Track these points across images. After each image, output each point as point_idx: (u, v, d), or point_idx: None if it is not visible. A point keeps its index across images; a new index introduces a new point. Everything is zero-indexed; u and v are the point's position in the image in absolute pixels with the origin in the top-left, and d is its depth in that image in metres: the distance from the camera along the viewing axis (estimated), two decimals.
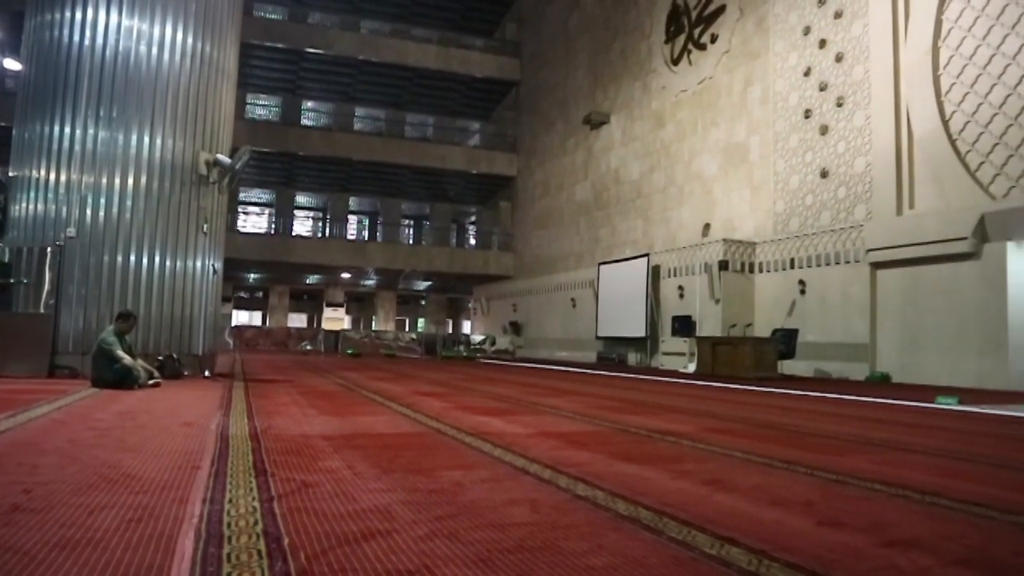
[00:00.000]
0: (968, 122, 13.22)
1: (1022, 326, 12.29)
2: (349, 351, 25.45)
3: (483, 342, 28.94)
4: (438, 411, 6.02)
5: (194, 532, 2.13)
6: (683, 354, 17.87)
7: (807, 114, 16.66)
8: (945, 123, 13.57)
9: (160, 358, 9.09)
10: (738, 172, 18.73)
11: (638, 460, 3.73)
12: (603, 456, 3.84)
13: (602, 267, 22.83)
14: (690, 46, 21.09)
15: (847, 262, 15.22)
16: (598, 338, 22.92)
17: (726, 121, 19.31)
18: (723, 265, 17.21)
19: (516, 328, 29.82)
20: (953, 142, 13.41)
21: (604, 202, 25.10)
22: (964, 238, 12.71)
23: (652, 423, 5.53)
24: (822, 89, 16.32)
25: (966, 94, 13.30)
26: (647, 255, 20.46)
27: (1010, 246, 12.35)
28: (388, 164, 31.37)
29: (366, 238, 37.84)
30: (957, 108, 13.43)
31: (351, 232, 37.77)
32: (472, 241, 39.16)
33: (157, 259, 9.68)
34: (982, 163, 12.95)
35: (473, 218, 39.20)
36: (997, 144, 12.74)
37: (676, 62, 21.65)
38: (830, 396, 9.41)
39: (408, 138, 33.33)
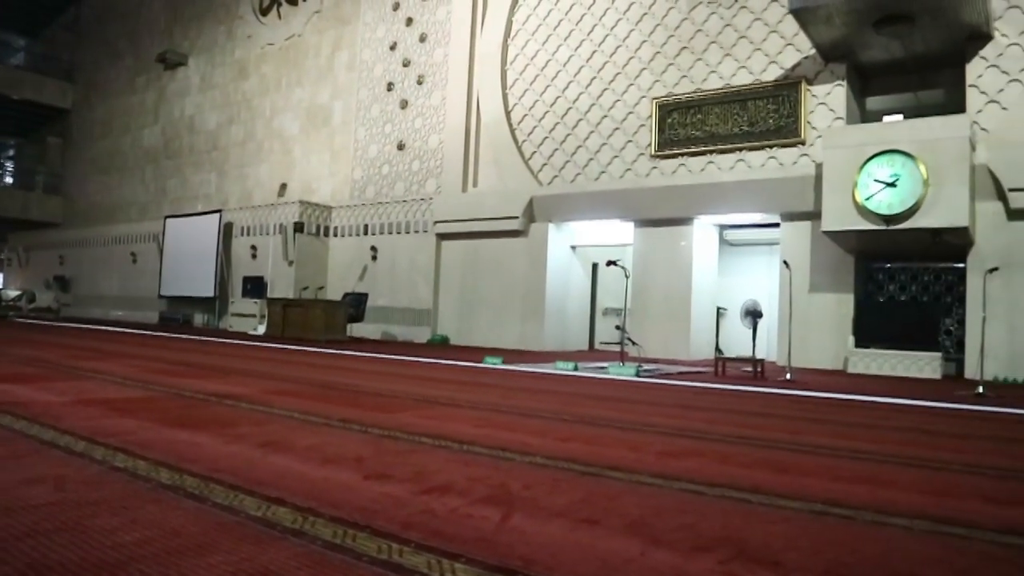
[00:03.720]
0: (526, 115, 14.86)
1: (556, 296, 14.32)
2: None
3: (18, 298, 24.89)
4: None
5: None
6: (253, 316, 17.42)
7: (390, 87, 17.23)
8: (507, 113, 15.08)
9: None
10: (320, 135, 18.70)
11: (191, 426, 3.49)
12: (151, 423, 3.52)
13: (169, 221, 21.14)
14: None
15: (416, 232, 16.15)
16: (161, 297, 21.24)
17: (311, 82, 19.13)
18: (299, 227, 17.08)
19: (63, 283, 26.17)
20: (513, 131, 14.98)
21: (175, 151, 23.21)
22: (516, 217, 14.31)
23: (212, 386, 5.25)
24: (405, 65, 17.00)
25: (526, 90, 14.92)
26: (220, 211, 19.44)
27: (551, 227, 14.24)
28: None
29: None
30: (518, 101, 15.01)
31: None
32: (9, 180, 33.27)
33: None
34: (534, 153, 14.67)
35: (12, 152, 33.34)
36: (547, 138, 14.53)
37: (265, 12, 20.79)
38: (393, 357, 9.90)
39: None
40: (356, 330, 15.77)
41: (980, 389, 7.32)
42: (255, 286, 17.78)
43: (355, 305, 15.34)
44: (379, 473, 2.60)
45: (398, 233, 16.53)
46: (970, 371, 9.73)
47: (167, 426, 3.44)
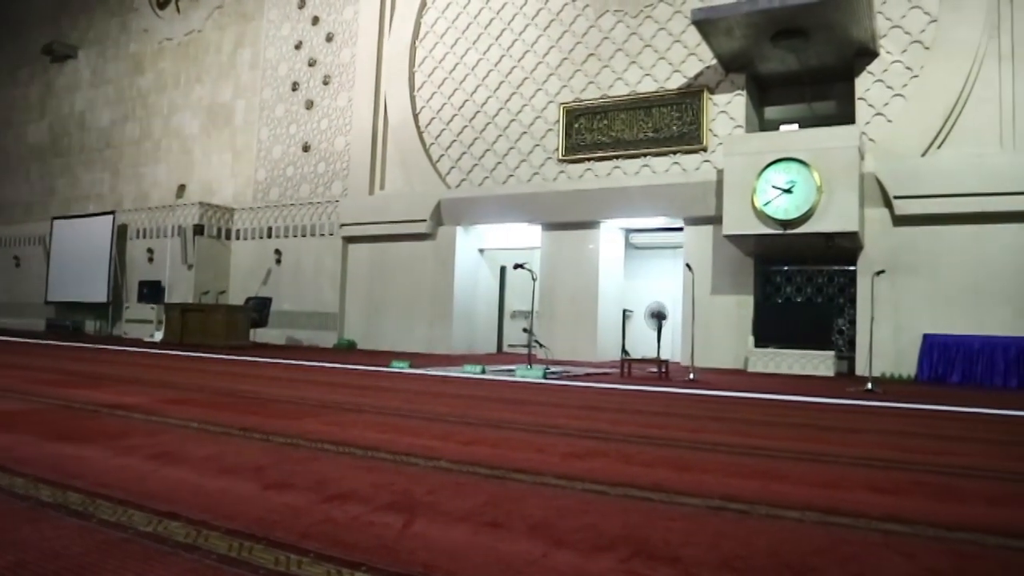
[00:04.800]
0: (433, 118, 14.79)
1: (464, 299, 14.32)
2: None
3: None
4: None
5: None
6: (150, 322, 16.74)
7: (295, 87, 16.87)
8: (415, 116, 14.98)
9: None
10: (221, 134, 18.15)
11: (77, 439, 3.30)
12: (32, 437, 3.31)
13: (57, 222, 20.08)
14: None
15: (322, 235, 15.86)
16: (48, 303, 20.13)
17: (212, 80, 18.54)
18: (198, 229, 16.52)
19: None
20: (420, 134, 14.89)
21: (64, 148, 22.07)
22: (424, 220, 14.23)
23: (102, 397, 5.00)
24: (311, 65, 16.68)
25: (434, 93, 14.85)
26: (113, 212, 18.59)
27: (459, 230, 14.22)
28: None
29: None
30: (426, 104, 14.93)
31: None
32: None
33: None
34: (442, 156, 14.63)
35: None
36: (455, 141, 14.50)
37: (162, 6, 20.04)
38: (298, 363, 9.68)
39: None
40: (260, 335, 15.35)
41: (869, 385, 7.69)
42: (152, 291, 17.08)
43: (258, 310, 14.93)
44: (279, 482, 2.52)
45: (303, 236, 16.19)
46: (860, 368, 10.22)
47: (50, 440, 3.25)
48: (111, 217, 18.42)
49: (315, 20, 16.78)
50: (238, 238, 17.34)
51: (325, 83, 16.41)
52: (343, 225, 15.41)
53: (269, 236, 16.74)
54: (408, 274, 14.69)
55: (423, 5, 15.19)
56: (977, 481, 3.04)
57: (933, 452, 3.78)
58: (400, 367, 9.21)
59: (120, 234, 18.36)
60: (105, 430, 3.60)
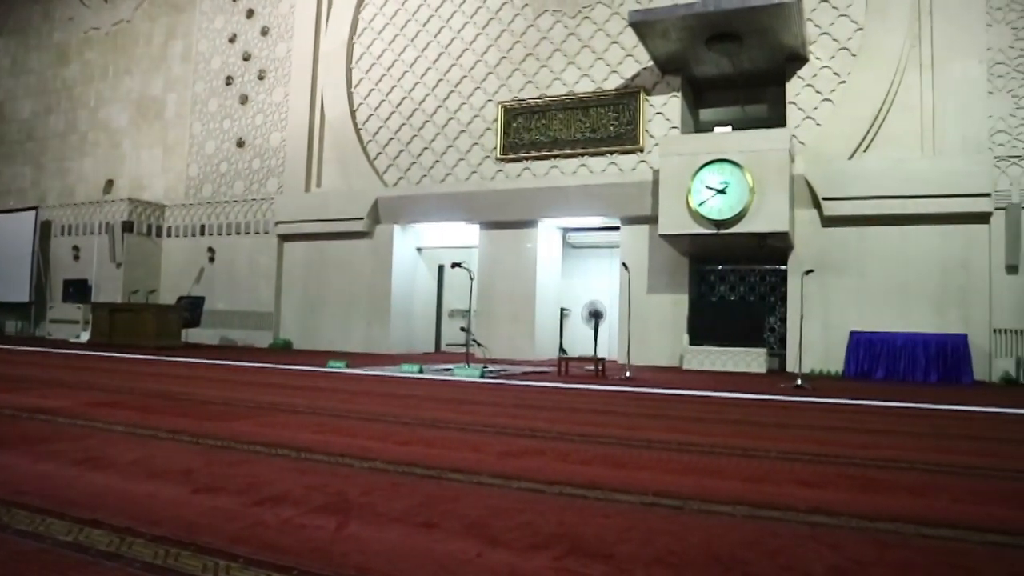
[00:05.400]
0: (371, 115, 14.65)
1: (402, 298, 14.23)
2: None
3: None
4: None
5: None
6: (76, 322, 16.19)
7: (229, 80, 16.51)
8: (353, 112, 14.81)
9: None
10: (151, 128, 17.64)
11: None
12: None
13: None
14: None
15: (257, 232, 15.56)
16: None
17: (142, 72, 18.01)
18: (127, 226, 16.03)
19: None
20: (358, 131, 14.73)
21: None
22: (361, 218, 14.08)
23: (23, 400, 4.82)
24: (246, 59, 16.34)
25: (372, 90, 14.71)
26: (36, 208, 17.86)
27: (396, 229, 14.12)
28: None
29: None
30: (363, 101, 14.77)
31: None
32: None
33: None
34: (379, 153, 14.49)
35: None
36: (392, 139, 14.39)
37: None
38: (231, 363, 9.48)
39: None
40: (192, 336, 14.97)
41: (799, 382, 7.90)
42: (78, 290, 16.48)
43: (190, 309, 14.55)
44: (209, 486, 2.46)
45: (237, 234, 15.86)
46: (791, 365, 10.48)
47: None
48: (33, 213, 17.69)
49: (250, 13, 16.45)
50: (169, 235, 16.88)
51: (260, 78, 16.10)
52: (279, 223, 15.15)
53: (202, 234, 16.34)
54: (345, 273, 14.52)
55: (361, 1, 15.02)
56: (898, 473, 3.15)
57: (858, 446, 3.90)
58: (337, 367, 9.10)
59: (44, 231, 17.68)
60: (26, 435, 3.47)
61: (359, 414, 4.69)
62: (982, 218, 10.34)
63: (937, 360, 9.90)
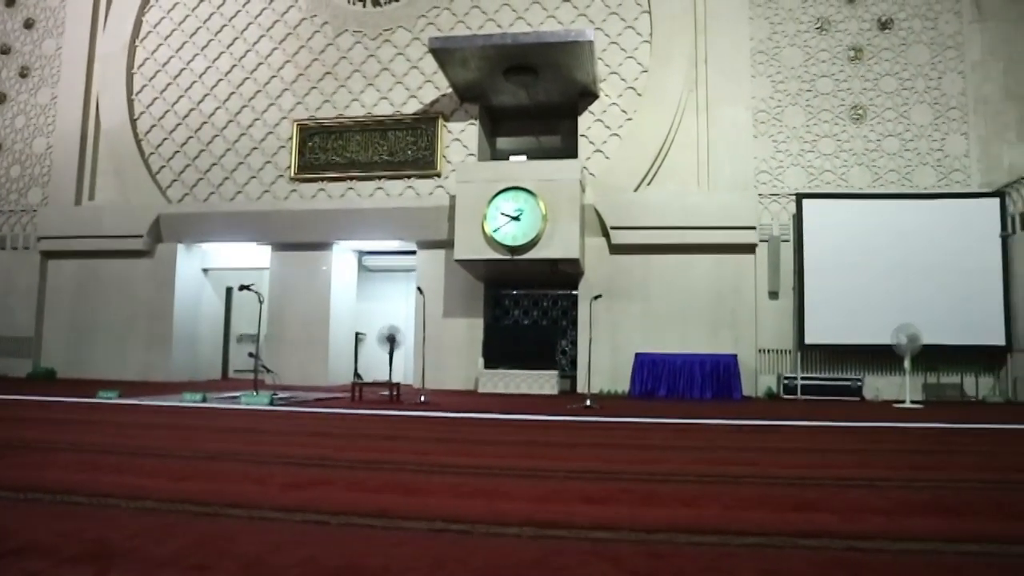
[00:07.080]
0: (155, 126, 13.66)
1: (185, 322, 13.31)
2: None
3: None
4: None
5: None
6: None
7: None
8: (133, 121, 13.74)
9: None
10: None
11: None
12: None
13: None
14: None
15: (15, 248, 13.98)
16: None
17: None
18: None
19: None
20: (139, 141, 13.67)
21: None
22: (140, 236, 13.04)
23: None
24: (5, 52, 14.73)
25: (156, 99, 13.73)
26: None
27: (180, 248, 13.21)
28: None
29: None
30: (146, 110, 13.76)
31: None
32: None
33: None
34: (163, 167, 13.53)
35: None
36: (178, 152, 13.50)
37: None
38: None
39: None
40: None
41: (588, 402, 8.20)
42: None
43: None
44: None
45: None
46: (581, 386, 10.90)
47: None
48: None
49: (10, 1, 14.86)
50: None
51: (23, 75, 14.56)
52: (42, 238, 13.67)
53: None
54: (121, 295, 13.32)
55: (145, 2, 14.03)
56: (675, 485, 3.30)
57: (639, 461, 4.07)
58: (107, 397, 8.31)
59: None
60: None
61: (129, 448, 4.27)
62: (749, 248, 11.41)
63: (712, 378, 10.69)
